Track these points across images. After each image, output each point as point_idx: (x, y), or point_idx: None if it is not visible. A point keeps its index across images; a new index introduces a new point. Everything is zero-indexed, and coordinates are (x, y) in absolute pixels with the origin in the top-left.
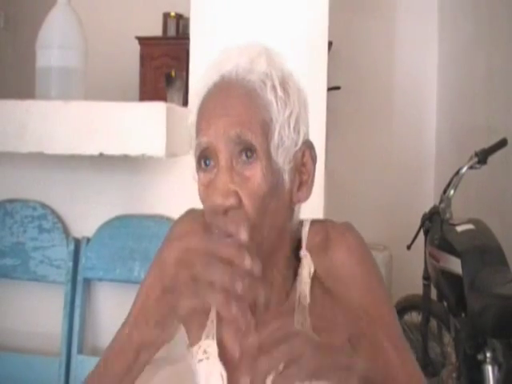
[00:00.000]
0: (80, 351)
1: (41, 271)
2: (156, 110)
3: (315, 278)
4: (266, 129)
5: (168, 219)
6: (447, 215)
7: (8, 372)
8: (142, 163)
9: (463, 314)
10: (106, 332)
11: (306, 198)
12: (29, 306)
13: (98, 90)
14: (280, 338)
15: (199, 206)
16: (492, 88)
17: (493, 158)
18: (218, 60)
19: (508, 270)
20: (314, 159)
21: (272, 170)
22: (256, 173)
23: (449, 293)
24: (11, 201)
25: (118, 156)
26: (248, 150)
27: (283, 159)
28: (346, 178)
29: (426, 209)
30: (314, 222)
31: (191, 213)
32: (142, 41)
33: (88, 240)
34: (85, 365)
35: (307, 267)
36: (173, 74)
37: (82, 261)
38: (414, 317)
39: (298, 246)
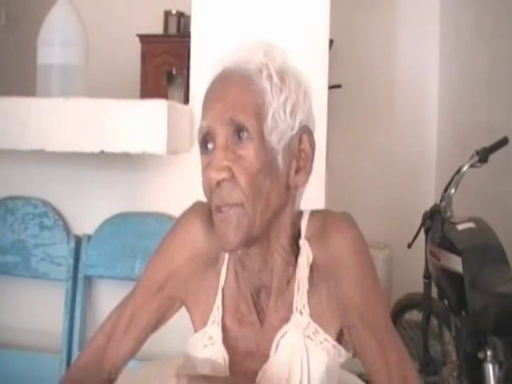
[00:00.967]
0: (81, 348)
1: (42, 268)
2: (157, 107)
3: (314, 266)
4: (258, 111)
5: (169, 217)
6: (448, 214)
7: (9, 369)
8: (142, 161)
9: (464, 313)
10: None
11: (304, 182)
12: (30, 303)
13: (99, 88)
14: None
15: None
16: (493, 86)
17: (494, 157)
18: (223, 56)
19: (509, 268)
20: (312, 145)
21: (265, 149)
22: (249, 151)
23: (449, 291)
24: (12, 198)
25: (118, 153)
26: (241, 131)
27: (277, 140)
28: (347, 177)
29: (427, 207)
30: (313, 212)
31: (197, 205)
32: (144, 38)
33: (89, 237)
34: None
35: (306, 255)
36: (174, 71)
37: (83, 258)
38: (415, 315)
39: (299, 235)
